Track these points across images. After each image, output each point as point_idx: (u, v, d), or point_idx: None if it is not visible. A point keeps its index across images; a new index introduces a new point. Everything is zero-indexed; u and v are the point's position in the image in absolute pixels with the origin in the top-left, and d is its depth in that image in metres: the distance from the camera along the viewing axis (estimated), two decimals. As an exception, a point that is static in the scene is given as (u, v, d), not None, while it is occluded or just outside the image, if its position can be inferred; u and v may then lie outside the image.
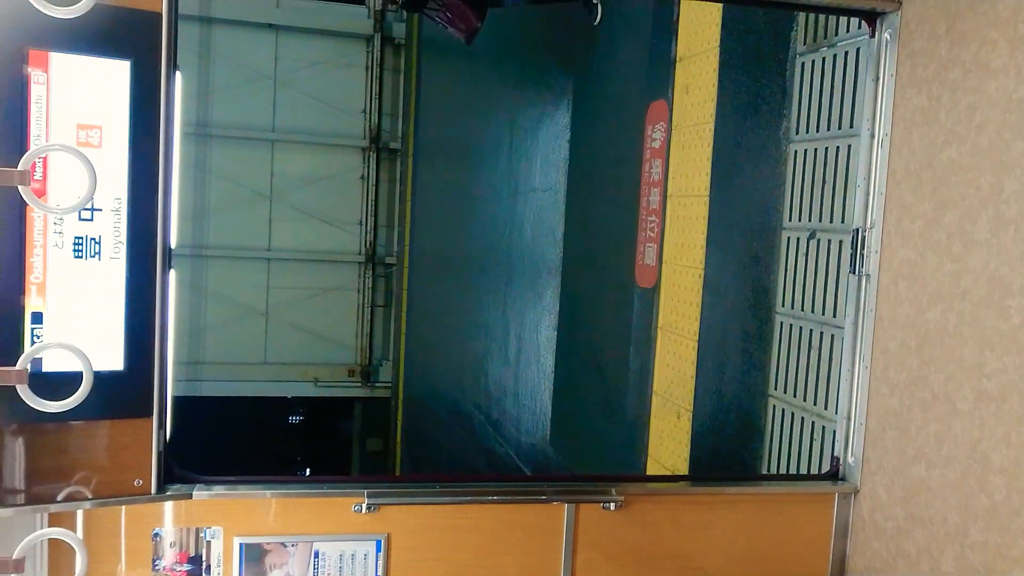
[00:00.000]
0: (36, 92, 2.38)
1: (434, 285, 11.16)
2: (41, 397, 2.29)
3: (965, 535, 2.50)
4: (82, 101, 2.44)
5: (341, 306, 13.14)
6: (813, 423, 3.56)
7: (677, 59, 4.77)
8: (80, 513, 2.62)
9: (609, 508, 2.91)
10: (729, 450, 4.21)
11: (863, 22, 3.07)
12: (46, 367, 2.42)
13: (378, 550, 2.81)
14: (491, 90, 8.47)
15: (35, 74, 2.38)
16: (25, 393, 2.24)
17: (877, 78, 2.98)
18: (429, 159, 11.92)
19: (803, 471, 3.60)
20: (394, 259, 13.19)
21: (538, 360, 6.61)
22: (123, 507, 2.65)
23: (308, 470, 14.30)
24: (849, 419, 3.07)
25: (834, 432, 3.19)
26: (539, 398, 6.52)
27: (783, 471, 3.75)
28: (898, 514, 2.79)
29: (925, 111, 2.74)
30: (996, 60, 2.45)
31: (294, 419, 14.23)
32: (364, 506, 2.76)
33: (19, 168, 2.17)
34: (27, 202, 2.27)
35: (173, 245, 2.63)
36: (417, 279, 11.99)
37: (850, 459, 3.06)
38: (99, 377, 2.38)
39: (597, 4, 5.53)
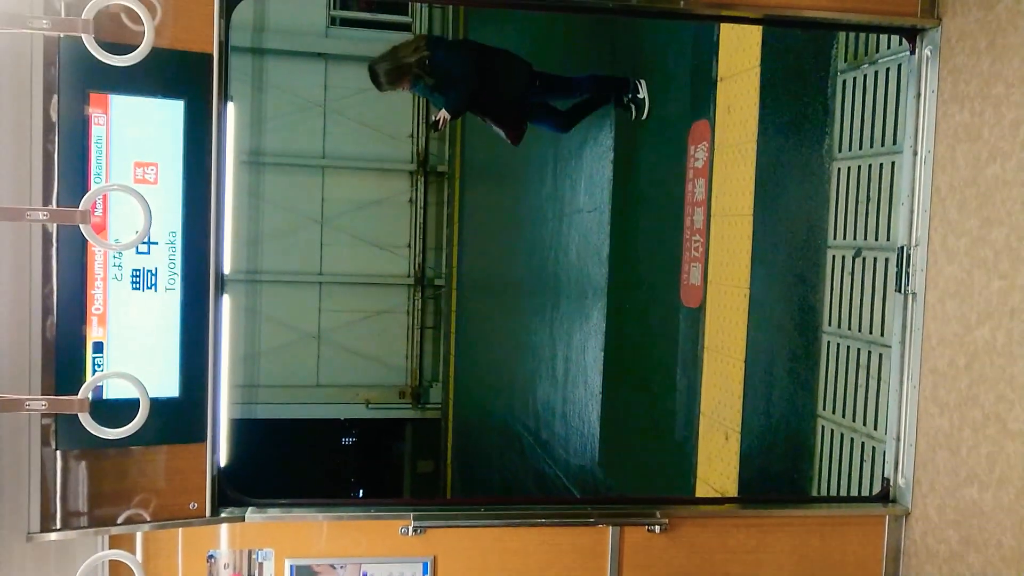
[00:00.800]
0: (96, 132, 2.51)
1: (482, 306, 11.23)
2: (104, 422, 2.39)
3: (1021, 559, 2.44)
4: (139, 140, 2.57)
5: (391, 328, 13.29)
6: (863, 444, 3.50)
7: (719, 79, 4.77)
8: (139, 535, 2.71)
9: (654, 531, 2.91)
10: (778, 471, 4.16)
11: (903, 39, 3.06)
12: (108, 394, 2.53)
13: (424, 572, 2.85)
14: (535, 112, 8.53)
15: (95, 115, 2.51)
16: (86, 421, 2.35)
17: (919, 95, 2.95)
18: (476, 182, 12.04)
19: (853, 493, 3.54)
20: (443, 281, 13.31)
21: (585, 381, 6.60)
22: (179, 529, 2.74)
23: (361, 491, 14.43)
24: (899, 440, 3.02)
25: (884, 453, 3.14)
26: (587, 419, 6.51)
27: (833, 492, 3.69)
28: (951, 537, 2.74)
29: (968, 127, 2.71)
30: (1039, 75, 2.42)
31: (347, 441, 14.39)
32: (411, 528, 2.81)
33: (80, 208, 2.29)
34: (87, 239, 2.38)
35: (227, 272, 2.74)
36: (465, 300, 12.08)
37: (900, 481, 3.01)
38: (156, 404, 2.48)
39: (644, 99, 5.41)
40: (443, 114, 5.04)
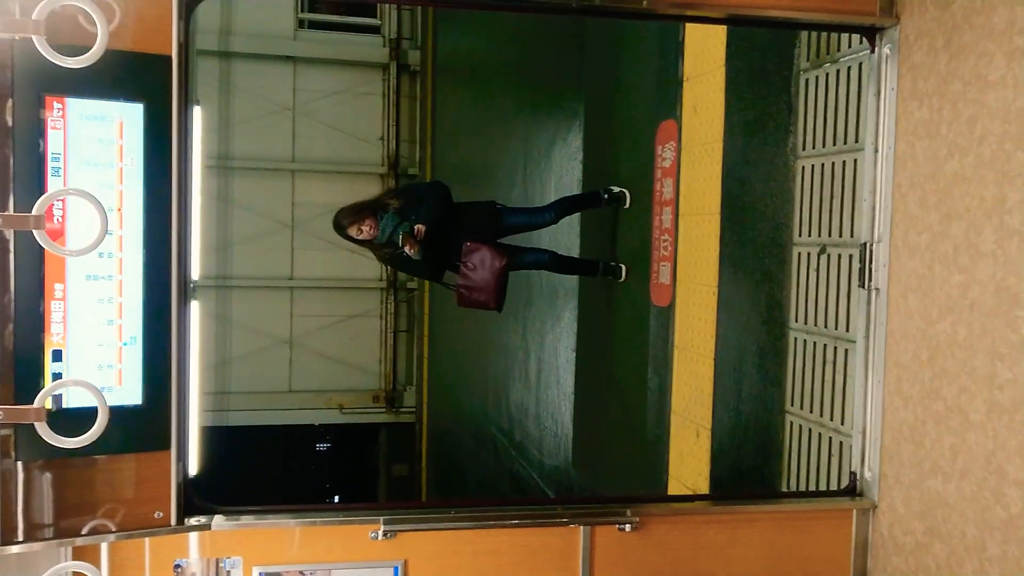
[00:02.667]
0: (53, 136, 2.46)
1: (455, 308, 11.19)
2: (66, 432, 2.34)
3: (983, 549, 2.48)
4: (98, 143, 2.52)
5: (364, 332, 13.22)
6: (830, 438, 3.54)
7: (684, 79, 4.80)
8: (104, 546, 2.66)
9: (625, 529, 2.91)
10: (749, 467, 4.19)
11: (863, 38, 3.09)
12: (68, 403, 2.48)
13: (395, 576, 2.83)
14: (505, 114, 8.55)
15: (52, 119, 2.46)
16: (43, 430, 2.30)
17: (879, 92, 2.99)
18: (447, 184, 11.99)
19: (822, 487, 3.58)
20: (415, 284, 13.26)
21: (558, 382, 6.61)
22: (146, 539, 2.70)
23: (336, 497, 14.33)
24: (865, 434, 3.05)
25: (851, 447, 3.17)
26: (560, 420, 6.52)
27: (803, 487, 3.72)
28: (917, 529, 2.77)
29: (927, 124, 2.75)
30: (994, 72, 2.46)
31: (321, 446, 14.28)
32: (380, 533, 2.79)
33: (34, 213, 2.24)
34: (42, 245, 2.34)
35: (196, 278, 2.69)
36: (438, 303, 12.04)
37: (867, 474, 3.04)
38: (118, 412, 2.44)
39: (624, 192, 5.52)
40: (420, 226, 4.93)
